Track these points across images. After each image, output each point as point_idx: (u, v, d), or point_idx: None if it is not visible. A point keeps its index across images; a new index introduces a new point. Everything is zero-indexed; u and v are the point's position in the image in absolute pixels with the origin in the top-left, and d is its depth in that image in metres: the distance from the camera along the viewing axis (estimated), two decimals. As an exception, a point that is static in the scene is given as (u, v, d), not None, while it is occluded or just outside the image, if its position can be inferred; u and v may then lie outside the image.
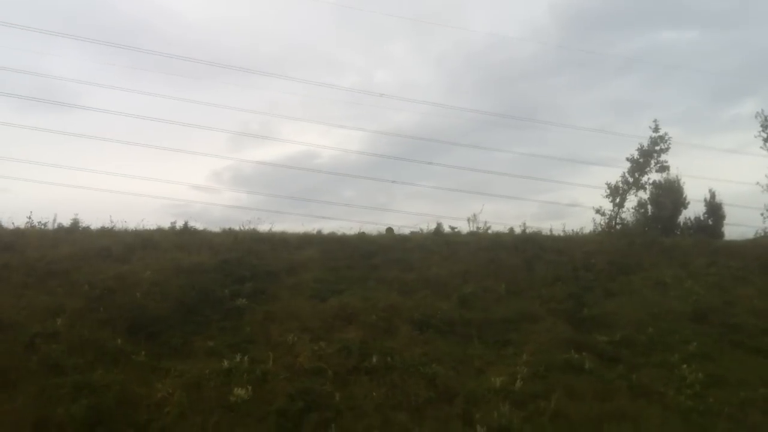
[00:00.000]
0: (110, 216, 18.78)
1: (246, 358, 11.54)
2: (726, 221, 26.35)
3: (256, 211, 24.77)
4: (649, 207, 25.95)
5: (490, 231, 20.29)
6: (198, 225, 18.95)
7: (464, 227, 20.65)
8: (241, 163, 76.17)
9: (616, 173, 26.35)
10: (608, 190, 25.64)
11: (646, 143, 25.95)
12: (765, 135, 27.13)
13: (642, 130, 25.53)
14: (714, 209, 26.31)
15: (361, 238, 19.06)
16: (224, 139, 76.21)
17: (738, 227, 25.37)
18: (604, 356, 12.61)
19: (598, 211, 25.26)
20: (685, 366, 12.29)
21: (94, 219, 18.76)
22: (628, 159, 26.10)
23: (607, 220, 25.22)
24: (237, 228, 18.73)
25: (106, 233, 17.73)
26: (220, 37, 68.33)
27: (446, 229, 19.88)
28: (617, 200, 25.53)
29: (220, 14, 72.87)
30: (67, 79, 54.19)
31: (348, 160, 62.13)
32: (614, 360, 12.54)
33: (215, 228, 19.08)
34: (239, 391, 10.55)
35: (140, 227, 18.45)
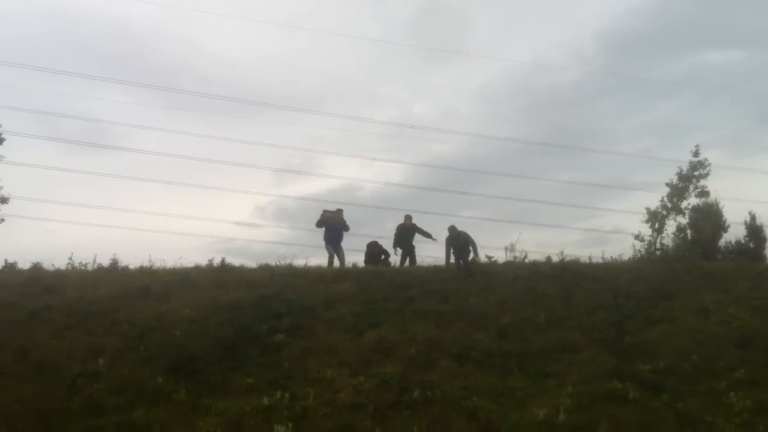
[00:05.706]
0: (149, 255, 19.06)
1: (286, 394, 11.52)
2: (768, 244, 25.86)
3: (298, 246, 25.08)
4: (689, 232, 25.58)
5: (527, 260, 20.12)
6: (236, 261, 19.13)
7: (503, 257, 20.53)
8: (283, 199, 77.07)
9: (658, 198, 26.10)
10: (647, 216, 25.40)
11: (685, 168, 25.77)
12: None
13: (686, 153, 25.31)
14: (755, 232, 25.75)
15: (396, 270, 19.04)
16: (267, 175, 77.17)
17: (780, 249, 24.83)
18: (648, 385, 12.29)
19: (637, 237, 25.00)
20: (732, 393, 11.88)
21: (134, 258, 19.08)
22: (667, 184, 25.90)
23: (646, 246, 24.92)
24: (273, 263, 18.86)
25: (145, 272, 17.94)
26: (260, 75, 69.84)
27: (483, 258, 19.76)
28: (656, 225, 25.24)
29: (259, 53, 74.51)
30: (111, 122, 55.64)
31: (389, 191, 62.26)
32: (659, 389, 12.22)
33: (253, 264, 19.22)
34: (280, 429, 10.51)
35: (178, 265, 18.63)
